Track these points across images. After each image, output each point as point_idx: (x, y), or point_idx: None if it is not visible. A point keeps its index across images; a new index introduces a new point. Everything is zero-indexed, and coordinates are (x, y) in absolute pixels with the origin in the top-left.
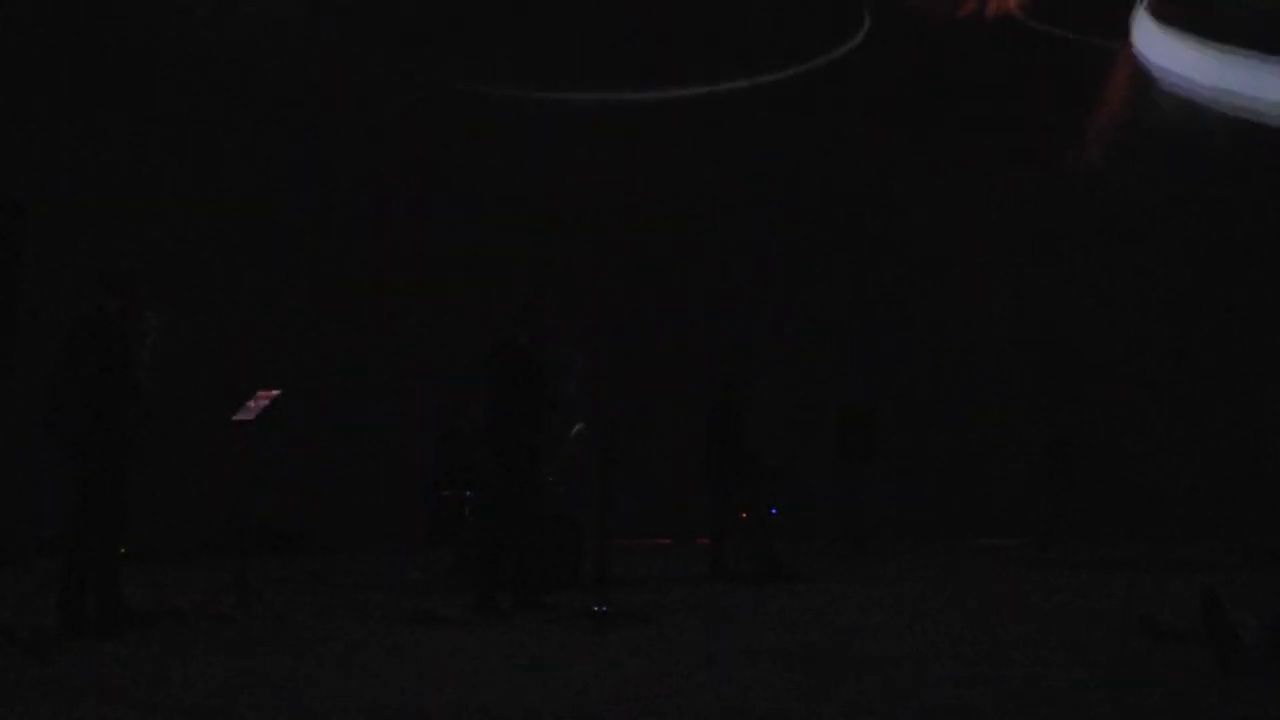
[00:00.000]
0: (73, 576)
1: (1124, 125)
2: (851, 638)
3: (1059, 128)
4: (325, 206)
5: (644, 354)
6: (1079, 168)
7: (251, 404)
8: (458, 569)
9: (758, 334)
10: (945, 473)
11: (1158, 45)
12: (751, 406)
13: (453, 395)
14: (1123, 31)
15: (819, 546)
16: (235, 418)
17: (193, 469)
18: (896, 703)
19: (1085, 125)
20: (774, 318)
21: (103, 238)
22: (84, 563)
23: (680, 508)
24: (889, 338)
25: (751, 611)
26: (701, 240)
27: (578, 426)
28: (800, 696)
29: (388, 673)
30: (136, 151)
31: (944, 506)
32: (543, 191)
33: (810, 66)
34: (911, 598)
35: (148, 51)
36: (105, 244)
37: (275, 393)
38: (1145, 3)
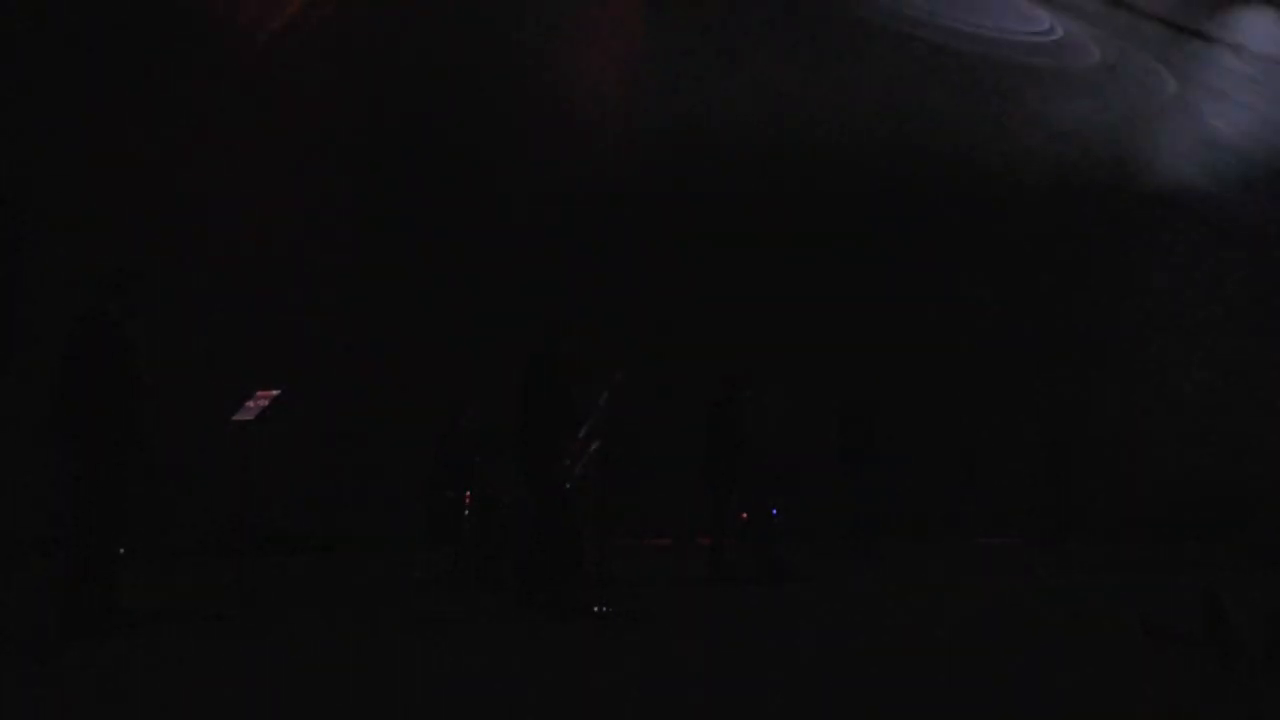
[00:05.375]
0: (73, 576)
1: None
2: (851, 638)
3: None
4: (326, 206)
5: (644, 352)
6: None
7: (251, 404)
8: (458, 569)
9: (759, 332)
10: (945, 472)
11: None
12: (752, 406)
13: (453, 395)
14: None
15: (819, 546)
16: (235, 418)
17: (193, 469)
18: (896, 703)
19: None
20: (775, 316)
21: (103, 238)
22: (84, 562)
23: (680, 508)
24: (889, 337)
25: (752, 612)
26: (702, 239)
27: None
28: (800, 697)
29: (388, 673)
30: (137, 151)
31: (944, 506)
32: (543, 190)
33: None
34: (911, 598)
35: (147, 51)
36: (105, 244)
37: (275, 393)
38: None
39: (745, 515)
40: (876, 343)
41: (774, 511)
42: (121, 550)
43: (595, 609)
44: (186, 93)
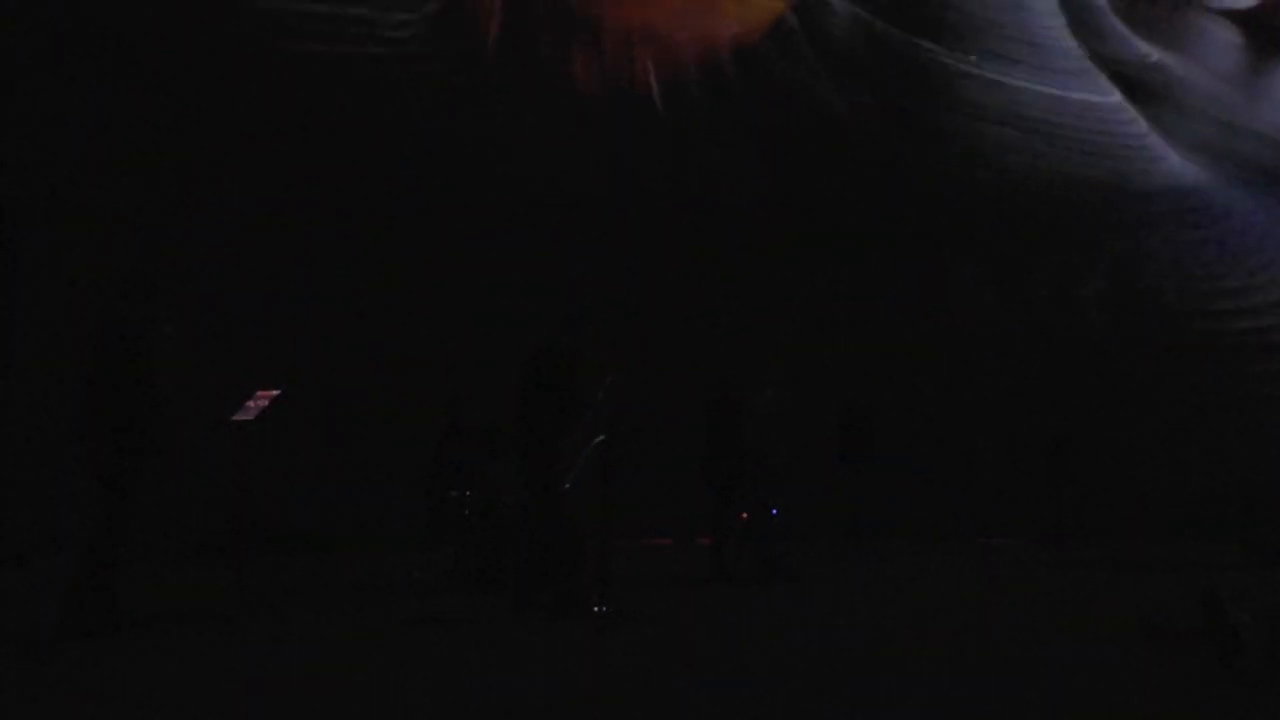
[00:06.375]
0: (73, 576)
1: None
2: (851, 639)
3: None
4: (325, 205)
5: (644, 352)
6: None
7: (251, 404)
8: (458, 569)
9: (759, 332)
10: (945, 473)
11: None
12: (753, 406)
13: (453, 395)
14: None
15: (819, 546)
16: (235, 418)
17: (192, 469)
18: (895, 704)
19: None
20: (775, 316)
21: (102, 237)
22: (86, 563)
23: (680, 508)
24: (889, 338)
25: (752, 612)
26: (703, 238)
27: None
28: (800, 697)
29: (387, 673)
30: (136, 151)
31: (944, 506)
32: (542, 188)
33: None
34: (911, 599)
35: (147, 49)
36: (105, 244)
37: (275, 393)
38: None
39: (745, 515)
40: (877, 343)
41: (774, 511)
42: (121, 551)
43: (595, 609)
44: (187, 93)
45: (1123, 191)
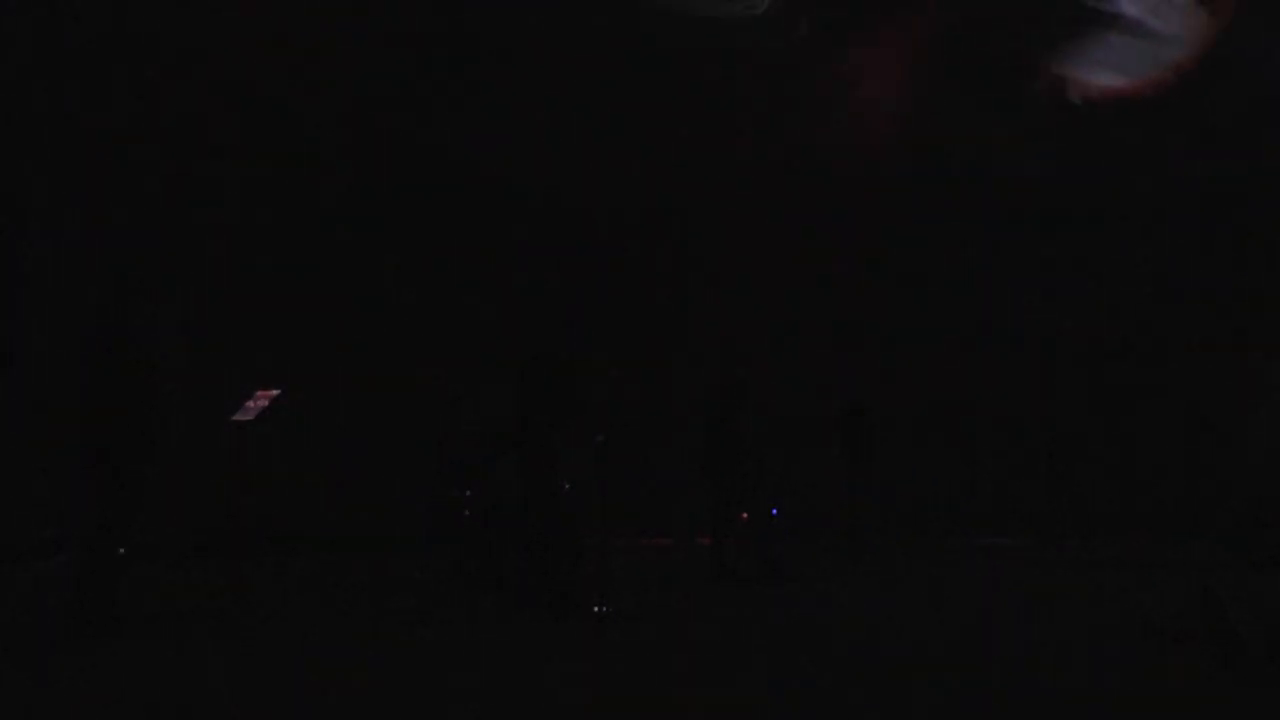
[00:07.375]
0: (74, 576)
1: None
2: (851, 639)
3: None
4: (325, 205)
5: (644, 352)
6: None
7: (251, 404)
8: (458, 569)
9: (759, 333)
10: (945, 473)
11: None
12: (755, 406)
13: (453, 395)
14: None
15: (819, 546)
16: (235, 418)
17: (193, 469)
18: (895, 704)
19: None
20: (775, 317)
21: (103, 237)
22: (87, 563)
23: (680, 508)
24: (890, 337)
25: (752, 612)
26: (703, 238)
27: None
28: (800, 697)
29: (388, 672)
30: (136, 150)
31: (944, 506)
32: (544, 189)
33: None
34: (911, 599)
35: (146, 49)
36: (105, 244)
37: (275, 393)
38: None
39: (745, 515)
40: (878, 343)
41: (774, 511)
42: (122, 550)
43: (595, 609)
44: (188, 94)
45: (1116, 188)
